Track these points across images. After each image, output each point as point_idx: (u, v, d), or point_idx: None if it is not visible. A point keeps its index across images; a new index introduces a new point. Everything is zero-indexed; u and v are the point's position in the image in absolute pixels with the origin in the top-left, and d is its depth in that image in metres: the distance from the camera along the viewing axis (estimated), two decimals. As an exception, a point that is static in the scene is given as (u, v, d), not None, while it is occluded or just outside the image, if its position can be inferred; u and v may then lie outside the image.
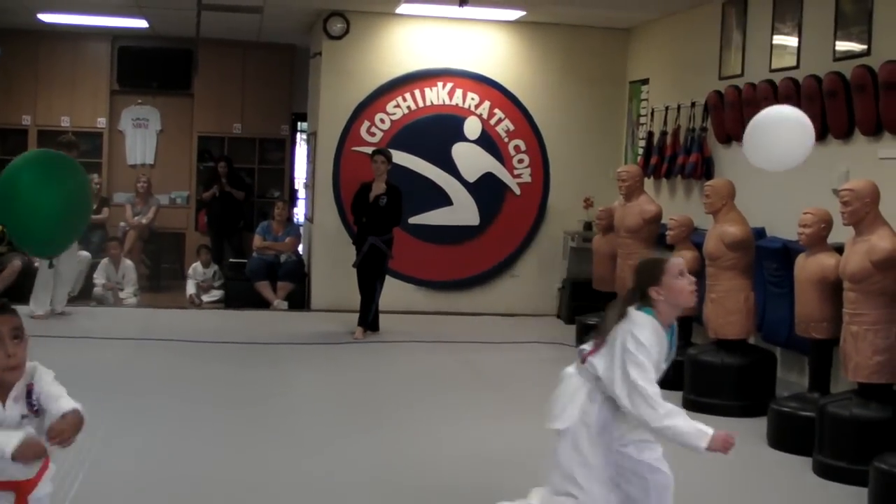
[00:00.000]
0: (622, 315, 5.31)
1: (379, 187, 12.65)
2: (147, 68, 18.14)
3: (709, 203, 9.79)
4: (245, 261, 15.76)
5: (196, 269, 16.01)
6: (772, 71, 10.82)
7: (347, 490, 7.09)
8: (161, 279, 17.25)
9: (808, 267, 8.39)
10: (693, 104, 12.48)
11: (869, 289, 7.53)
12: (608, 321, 5.38)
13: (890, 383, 7.63)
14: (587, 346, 5.48)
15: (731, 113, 11.40)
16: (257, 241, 15.42)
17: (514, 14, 14.30)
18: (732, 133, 11.46)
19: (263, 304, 14.99)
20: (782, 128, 6.64)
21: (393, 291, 13.70)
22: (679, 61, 13.34)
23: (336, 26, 14.47)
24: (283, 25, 16.23)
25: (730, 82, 11.63)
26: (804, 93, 9.99)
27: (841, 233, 8.14)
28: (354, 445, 8.10)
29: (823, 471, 7.71)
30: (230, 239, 17.25)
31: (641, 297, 5.34)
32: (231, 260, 16.45)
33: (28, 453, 4.04)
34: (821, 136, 9.82)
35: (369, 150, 13.47)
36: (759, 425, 8.74)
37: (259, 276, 15.13)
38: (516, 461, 7.74)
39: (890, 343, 7.50)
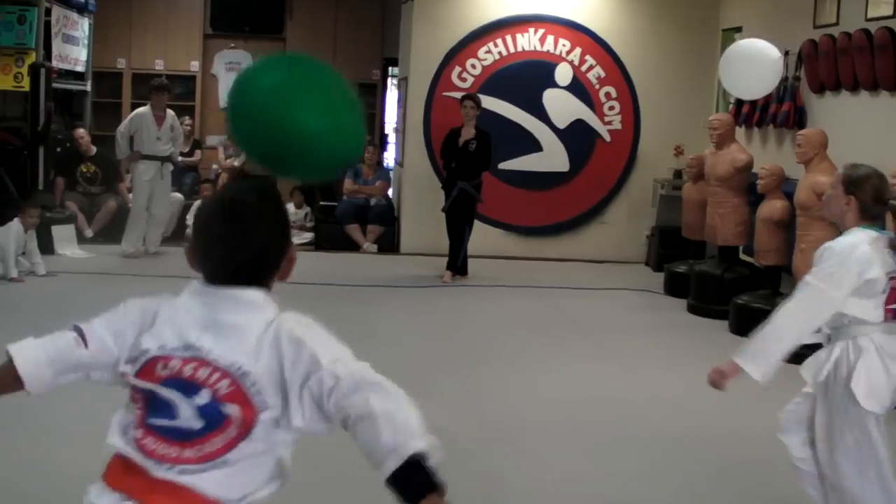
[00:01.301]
0: None
1: (468, 132, 12.72)
2: (240, 12, 18.27)
3: (801, 152, 9.75)
4: (335, 204, 15.88)
5: (289, 210, 16.16)
6: (868, 20, 10.69)
7: (438, 431, 7.19)
8: (253, 221, 17.40)
9: (901, 218, 8.37)
10: (787, 53, 12.36)
11: (962, 241, 7.50)
12: None
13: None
14: None
15: (825, 62, 11.31)
16: (348, 184, 15.54)
17: (608, -40, 14.27)
18: (826, 82, 11.38)
19: (353, 246, 15.12)
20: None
21: (482, 236, 13.80)
22: (773, 9, 13.22)
23: (429, -29, 14.52)
24: (377, -30, 16.30)
25: (824, 31, 11.52)
26: (900, 42, 9.91)
27: (935, 184, 8.10)
28: (445, 387, 8.20)
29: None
30: (320, 182, 17.38)
31: None
32: (321, 203, 16.59)
33: None
34: (917, 86, 9.77)
35: (460, 95, 13.52)
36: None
37: (349, 220, 15.26)
38: (607, 404, 7.83)
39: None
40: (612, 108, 14.86)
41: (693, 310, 11.57)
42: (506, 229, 14.78)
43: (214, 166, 17.10)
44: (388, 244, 15.22)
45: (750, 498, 6.35)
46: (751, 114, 12.98)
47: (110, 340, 3.01)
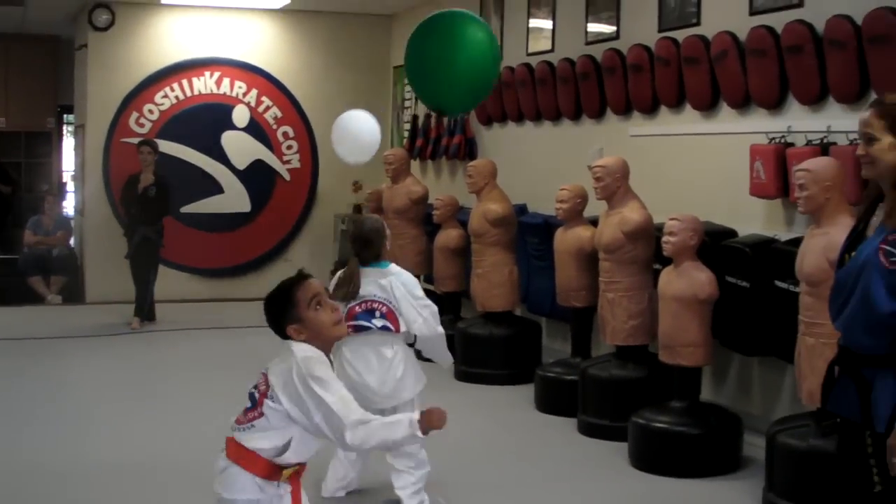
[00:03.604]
0: None
1: (147, 178, 12.71)
2: None
3: (472, 182, 10.17)
4: (16, 257, 15.59)
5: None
6: (529, 55, 11.28)
7: (127, 476, 7.23)
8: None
9: (566, 240, 8.88)
10: (455, 88, 12.87)
11: (622, 258, 8.02)
12: None
13: (644, 344, 8.15)
14: None
15: (492, 96, 11.78)
16: (28, 236, 15.31)
17: (280, 2, 14.50)
18: (493, 115, 11.92)
19: (37, 298, 14.91)
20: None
21: (168, 280, 13.82)
22: (440, 46, 13.72)
23: (101, 17, 14.43)
24: (47, 16, 16.09)
25: (489, 66, 12.04)
26: (559, 75, 10.47)
27: (596, 207, 8.62)
28: (135, 432, 8.25)
29: (587, 429, 8.21)
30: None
31: None
32: (1, 256, 16.26)
33: (435, 421, 3.97)
34: (575, 115, 10.35)
35: (138, 141, 13.50)
36: (527, 391, 9.21)
37: (31, 271, 15.04)
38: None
39: (643, 308, 8.01)
40: (290, 147, 15.11)
41: (380, 339, 11.86)
42: (191, 272, 14.80)
43: None
44: (73, 294, 15.05)
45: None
46: (424, 147, 13.43)
47: None
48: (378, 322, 6.39)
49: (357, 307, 6.39)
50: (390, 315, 6.40)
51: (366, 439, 4.00)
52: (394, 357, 6.44)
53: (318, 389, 4.03)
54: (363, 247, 6.51)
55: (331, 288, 6.35)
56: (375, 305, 6.41)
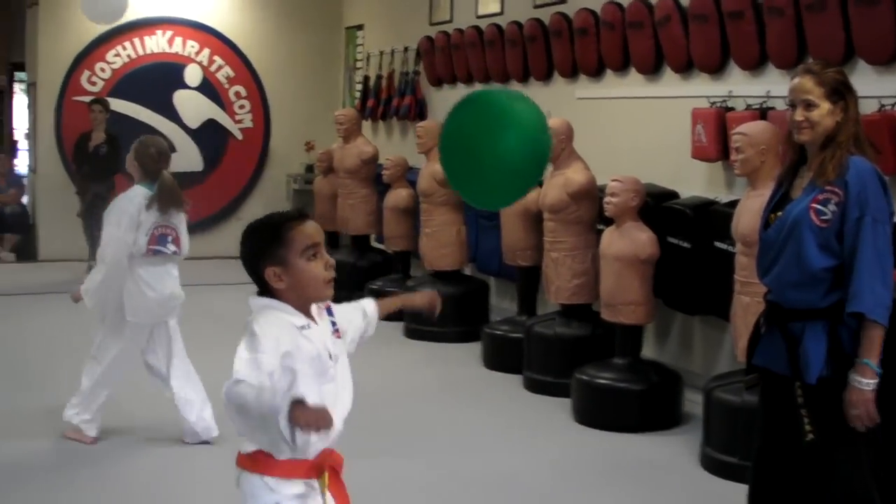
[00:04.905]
0: None
1: (98, 136, 12.81)
2: None
3: (421, 143, 10.31)
4: (-32, 215, 15.61)
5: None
6: (478, 17, 11.40)
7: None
8: None
9: (513, 200, 9.03)
10: (406, 49, 13.00)
11: (566, 218, 8.19)
12: None
13: (588, 303, 8.33)
14: None
15: (441, 57, 11.96)
16: (-20, 194, 15.34)
17: (231, -38, 14.56)
18: (443, 76, 12.04)
19: (-11, 257, 14.95)
20: None
21: (121, 239, 13.85)
22: (392, 8, 13.83)
23: (53, -25, 14.44)
24: (-2, -26, 16.06)
25: (440, 28, 12.17)
26: (507, 38, 10.60)
27: (542, 168, 8.76)
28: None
29: (532, 385, 8.40)
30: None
31: None
32: (-46, 215, 16.27)
33: (310, 420, 3.09)
34: (523, 78, 10.50)
35: (91, 99, 13.55)
36: (475, 349, 9.40)
37: (-17, 229, 15.07)
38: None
39: (586, 267, 8.19)
40: (242, 106, 15.18)
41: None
42: (143, 230, 14.83)
43: None
44: (26, 252, 15.08)
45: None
46: (375, 108, 13.55)
47: None
48: (171, 248, 6.99)
49: (156, 231, 6.90)
50: (177, 241, 7.00)
51: (239, 395, 3.23)
52: (175, 276, 7.13)
53: (244, 341, 3.39)
54: (168, 163, 7.04)
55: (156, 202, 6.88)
56: (168, 231, 6.97)
